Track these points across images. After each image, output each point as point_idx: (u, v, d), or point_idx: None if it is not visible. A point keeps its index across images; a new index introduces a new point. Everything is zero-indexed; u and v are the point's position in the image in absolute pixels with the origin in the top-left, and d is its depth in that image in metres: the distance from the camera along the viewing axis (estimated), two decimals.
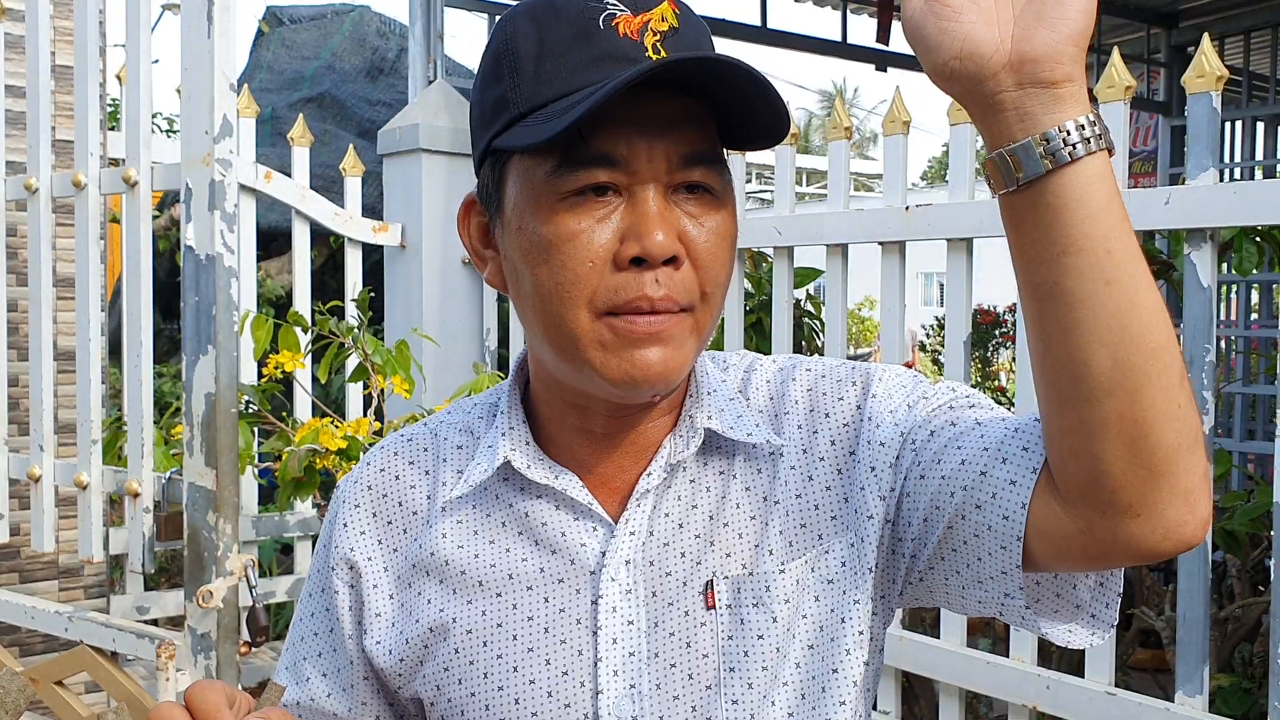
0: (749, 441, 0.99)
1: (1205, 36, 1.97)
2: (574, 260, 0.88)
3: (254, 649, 2.65)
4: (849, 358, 2.20)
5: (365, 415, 2.88)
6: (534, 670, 0.96)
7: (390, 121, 3.76)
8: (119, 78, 3.06)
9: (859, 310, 17.79)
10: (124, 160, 2.64)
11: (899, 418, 0.96)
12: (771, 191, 3.97)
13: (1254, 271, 2.68)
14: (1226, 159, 6.41)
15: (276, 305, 5.13)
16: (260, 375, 3.00)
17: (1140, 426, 0.78)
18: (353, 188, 3.49)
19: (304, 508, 3.39)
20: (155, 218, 5.42)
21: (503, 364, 3.70)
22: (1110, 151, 0.78)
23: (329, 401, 4.06)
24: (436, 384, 3.43)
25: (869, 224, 2.44)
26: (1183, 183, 1.97)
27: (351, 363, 2.87)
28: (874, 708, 1.01)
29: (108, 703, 3.47)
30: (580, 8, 0.88)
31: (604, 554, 0.97)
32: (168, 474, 2.69)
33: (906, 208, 2.36)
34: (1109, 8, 5.70)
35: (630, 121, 0.88)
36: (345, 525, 1.05)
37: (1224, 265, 2.77)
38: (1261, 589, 3.20)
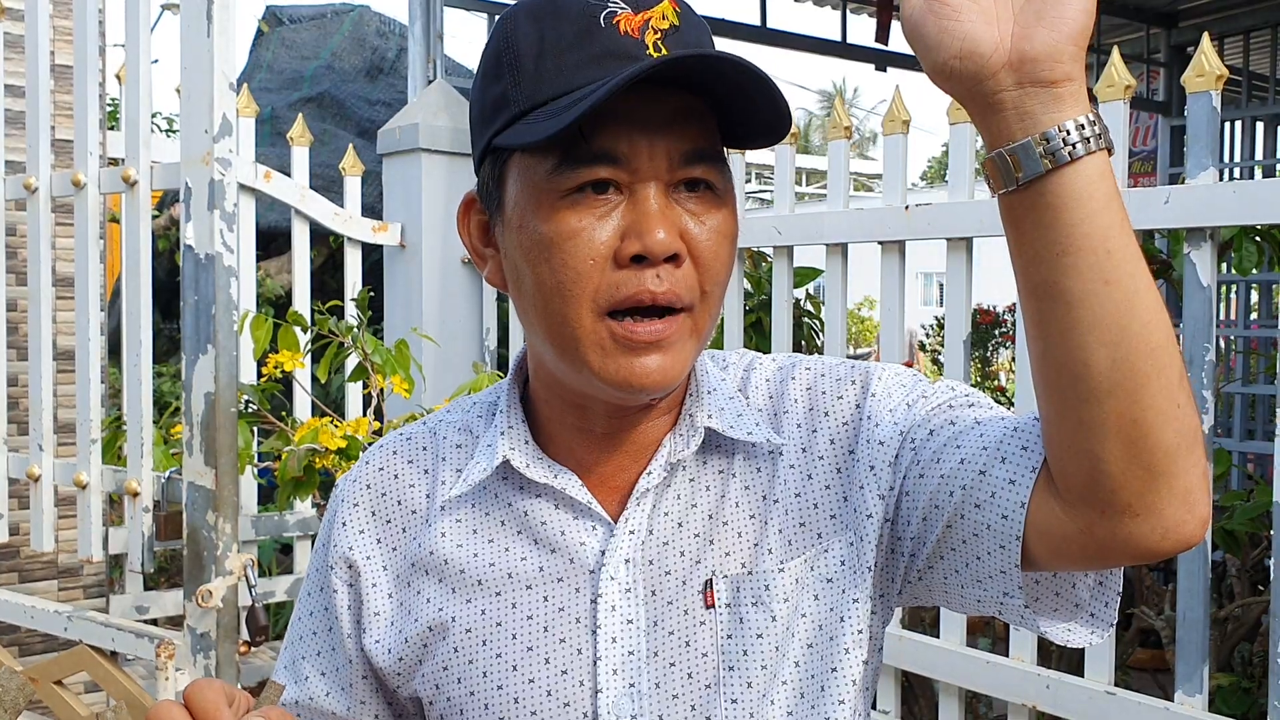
0: (748, 440, 0.99)
1: (1205, 36, 1.97)
2: (575, 258, 0.88)
3: (253, 648, 2.65)
4: (848, 358, 2.20)
5: (365, 415, 2.88)
6: (533, 669, 0.96)
7: (390, 121, 3.76)
8: (118, 77, 3.06)
9: (858, 310, 17.79)
10: (123, 160, 2.64)
11: (898, 416, 0.96)
12: (771, 191, 3.97)
13: (1253, 271, 2.68)
14: (1226, 159, 6.41)
15: (276, 305, 5.13)
16: (260, 375, 3.00)
17: (1140, 426, 0.78)
18: (352, 187, 3.49)
19: (303, 507, 3.39)
20: (155, 217, 5.41)
21: (502, 364, 3.70)
22: (1110, 151, 0.78)
23: (328, 401, 4.06)
24: (436, 384, 3.43)
25: (869, 223, 2.44)
26: (1182, 182, 1.97)
27: (351, 362, 2.87)
28: (873, 707, 1.01)
29: (107, 702, 3.47)
30: (581, 5, 0.88)
31: (603, 553, 0.97)
32: (167, 473, 2.69)
33: (906, 207, 2.36)
34: (1108, 8, 5.70)
35: (631, 119, 0.88)
36: (344, 524, 1.05)
37: (1223, 265, 2.77)
38: (1261, 588, 3.20)
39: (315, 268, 4.49)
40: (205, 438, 2.39)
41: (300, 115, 3.56)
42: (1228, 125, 6.44)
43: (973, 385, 1.03)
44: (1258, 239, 2.63)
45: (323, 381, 2.99)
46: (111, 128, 3.78)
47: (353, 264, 3.50)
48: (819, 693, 0.96)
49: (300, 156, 3.36)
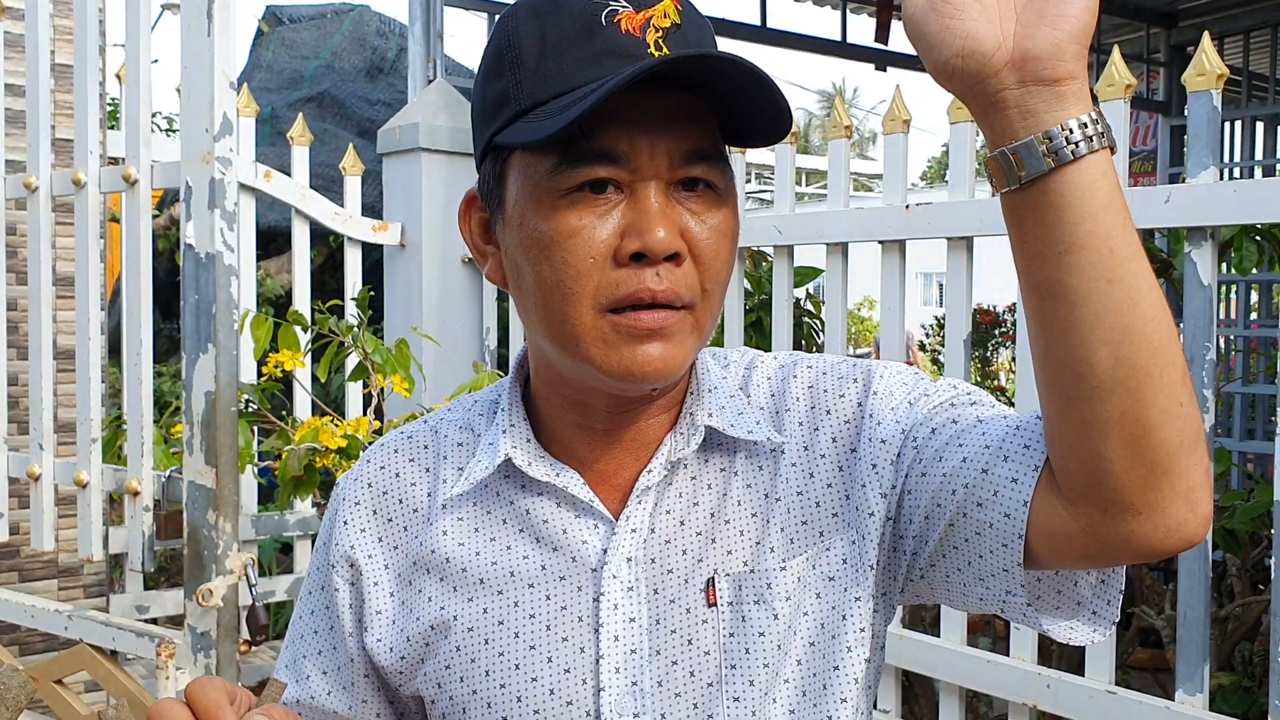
0: (750, 439, 0.98)
1: (1206, 35, 1.97)
2: (575, 256, 0.88)
3: (253, 648, 2.65)
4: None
5: (365, 414, 2.88)
6: (536, 668, 0.96)
7: (390, 121, 3.76)
8: (118, 76, 3.06)
9: (858, 310, 17.79)
10: (124, 159, 2.64)
11: (900, 415, 0.96)
12: (771, 191, 3.97)
13: (1253, 270, 2.68)
14: (1225, 159, 6.41)
15: (276, 304, 5.13)
16: (260, 374, 3.00)
17: (1142, 425, 0.78)
18: (352, 187, 3.49)
19: (304, 507, 3.39)
20: (155, 217, 5.41)
21: (502, 363, 3.70)
22: (1113, 149, 0.78)
23: (329, 400, 4.06)
24: (436, 383, 3.43)
25: (869, 223, 2.44)
26: (1183, 182, 1.97)
27: (351, 362, 2.87)
28: (874, 706, 1.01)
29: (107, 701, 3.47)
30: (582, 3, 0.88)
31: (605, 551, 0.97)
32: (167, 473, 2.69)
33: (907, 206, 2.36)
34: (1109, 7, 5.70)
35: (631, 118, 0.88)
36: (346, 522, 1.05)
37: (1223, 265, 2.77)
38: (1261, 588, 3.21)
39: (315, 267, 4.49)
40: (206, 437, 2.39)
41: (300, 115, 3.56)
42: (1227, 125, 6.44)
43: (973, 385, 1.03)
44: (1258, 238, 2.63)
45: (323, 381, 2.99)
46: (112, 127, 3.78)
47: (353, 263, 3.50)
48: (821, 691, 0.96)
49: (300, 156, 3.36)
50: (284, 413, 3.02)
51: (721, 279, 0.93)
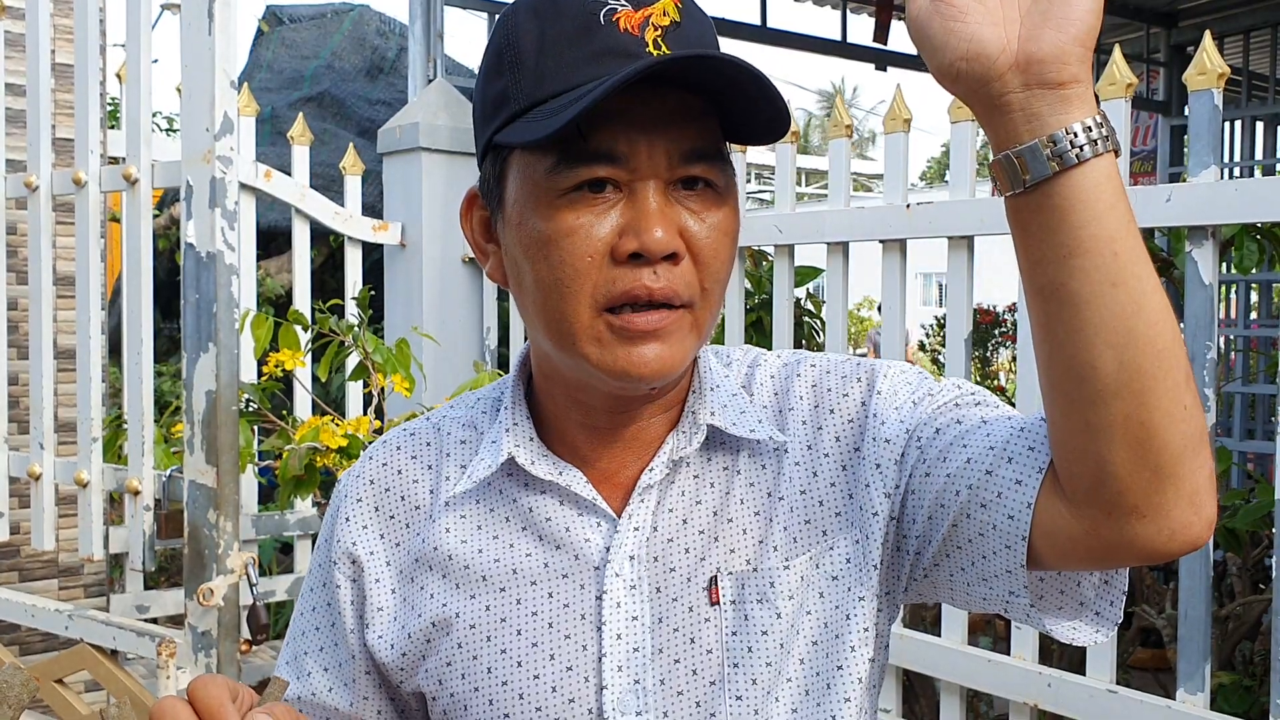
0: (751, 438, 0.98)
1: (1207, 34, 1.97)
2: (573, 255, 0.89)
3: (254, 647, 2.65)
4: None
5: (365, 414, 2.88)
6: (538, 665, 0.96)
7: (390, 120, 3.76)
8: (119, 76, 3.06)
9: (858, 310, 17.79)
10: (124, 158, 2.64)
11: (904, 414, 0.96)
12: (771, 191, 3.97)
13: (1254, 270, 2.68)
14: (1226, 159, 6.41)
15: (276, 304, 5.13)
16: (260, 373, 3.00)
17: (1146, 428, 0.78)
18: (352, 186, 3.48)
19: (304, 506, 3.39)
20: (155, 216, 5.41)
21: (503, 362, 3.70)
22: (1117, 152, 0.78)
23: (329, 400, 4.06)
24: (436, 382, 3.43)
25: (870, 222, 2.43)
26: (1183, 181, 1.97)
27: (351, 361, 2.87)
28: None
29: (108, 701, 3.46)
30: (581, 2, 0.88)
31: (608, 549, 0.97)
32: (168, 472, 2.69)
33: (907, 205, 2.36)
34: (1109, 7, 5.68)
35: (629, 118, 0.88)
36: (347, 519, 1.05)
37: (1223, 264, 2.77)
38: (1262, 587, 3.21)
39: (315, 267, 4.49)
40: (206, 436, 2.39)
41: (300, 114, 3.56)
42: (1227, 125, 6.44)
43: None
44: (1259, 237, 2.63)
45: (323, 380, 2.99)
46: (112, 126, 3.78)
47: (353, 263, 3.50)
48: (824, 690, 0.96)
49: (300, 156, 3.35)
50: (284, 412, 3.02)
51: (721, 278, 0.93)
